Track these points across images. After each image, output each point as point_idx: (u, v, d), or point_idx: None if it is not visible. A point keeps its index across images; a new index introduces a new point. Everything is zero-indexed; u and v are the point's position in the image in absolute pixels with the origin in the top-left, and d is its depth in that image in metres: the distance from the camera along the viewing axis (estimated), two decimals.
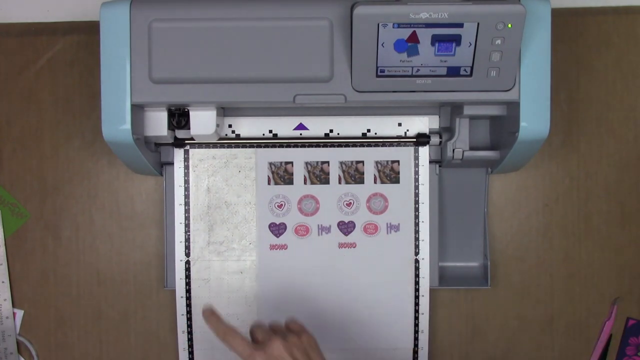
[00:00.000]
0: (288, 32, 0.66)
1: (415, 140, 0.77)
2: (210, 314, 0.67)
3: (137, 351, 0.83)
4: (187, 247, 0.79)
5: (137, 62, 0.67)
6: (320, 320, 0.79)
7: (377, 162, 0.78)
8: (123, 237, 0.83)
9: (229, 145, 0.78)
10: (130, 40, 0.67)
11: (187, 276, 0.79)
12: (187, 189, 0.78)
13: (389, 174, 0.78)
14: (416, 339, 0.79)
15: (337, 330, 0.79)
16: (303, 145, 0.78)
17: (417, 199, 0.78)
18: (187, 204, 0.78)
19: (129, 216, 0.83)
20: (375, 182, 0.78)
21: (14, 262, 0.83)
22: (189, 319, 0.79)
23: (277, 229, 0.78)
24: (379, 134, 0.78)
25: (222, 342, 0.65)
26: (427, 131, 0.78)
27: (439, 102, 0.75)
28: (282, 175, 0.78)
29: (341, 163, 0.78)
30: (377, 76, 0.66)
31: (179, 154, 0.78)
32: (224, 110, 0.77)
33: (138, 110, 0.70)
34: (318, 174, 0.78)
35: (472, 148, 0.77)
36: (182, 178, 0.78)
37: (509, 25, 0.62)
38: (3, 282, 0.83)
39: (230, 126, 0.78)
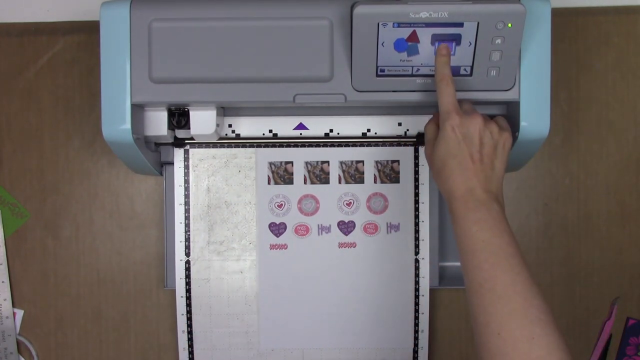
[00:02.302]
0: (288, 32, 0.67)
1: (415, 140, 0.77)
2: (445, 53, 0.64)
3: (137, 351, 0.83)
4: (187, 247, 0.79)
5: (137, 62, 0.67)
6: (320, 320, 0.79)
7: (377, 162, 0.78)
8: (123, 237, 0.83)
9: (229, 145, 0.78)
10: (130, 40, 0.67)
11: (187, 276, 0.79)
12: (187, 189, 0.78)
13: (389, 173, 0.78)
14: (416, 339, 0.79)
15: (337, 330, 0.79)
16: (303, 145, 0.78)
17: (417, 198, 0.78)
18: (187, 203, 0.78)
19: (129, 216, 0.83)
20: (375, 182, 0.78)
21: (14, 262, 0.83)
22: (189, 319, 0.79)
23: (277, 229, 0.78)
24: (379, 134, 0.78)
25: (436, 84, 0.64)
26: None
27: None
28: (282, 175, 0.78)
29: (341, 163, 0.78)
30: (377, 76, 0.66)
31: (179, 153, 0.78)
32: (224, 110, 0.77)
33: (138, 110, 0.70)
34: (318, 174, 0.78)
35: None
36: (182, 178, 0.78)
37: (509, 25, 0.62)
38: (3, 282, 0.83)
39: (230, 126, 0.78)
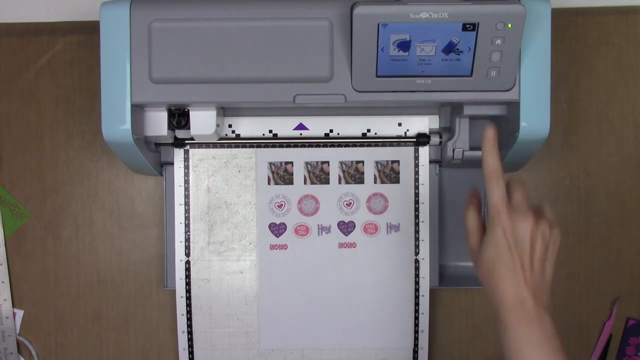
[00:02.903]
0: (288, 32, 0.66)
1: (415, 140, 0.77)
2: (492, 137, 0.61)
3: (137, 351, 0.83)
4: (187, 247, 0.79)
5: (137, 62, 0.67)
6: (320, 320, 0.79)
7: (377, 162, 0.78)
8: (123, 237, 0.83)
9: (229, 145, 0.78)
10: (130, 40, 0.67)
11: (187, 276, 0.79)
12: (187, 189, 0.78)
13: (389, 174, 0.78)
14: (416, 339, 0.79)
15: (337, 330, 0.79)
16: (303, 145, 0.78)
17: (417, 199, 0.78)
18: (187, 204, 0.78)
19: (129, 216, 0.83)
20: (375, 182, 0.78)
21: (14, 262, 0.83)
22: (189, 319, 0.79)
23: (277, 229, 0.78)
24: (379, 134, 0.78)
25: (484, 176, 0.61)
26: (427, 131, 0.78)
27: (439, 102, 0.75)
28: (282, 175, 0.78)
29: (341, 163, 0.78)
30: (377, 76, 0.66)
31: (179, 154, 0.78)
32: (224, 110, 0.77)
33: (138, 110, 0.70)
34: (318, 174, 0.78)
35: (472, 148, 0.77)
36: (182, 178, 0.78)
37: (509, 25, 0.62)
38: (3, 282, 0.83)
39: (230, 126, 0.78)
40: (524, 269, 0.59)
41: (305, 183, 0.78)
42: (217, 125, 0.74)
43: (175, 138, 0.77)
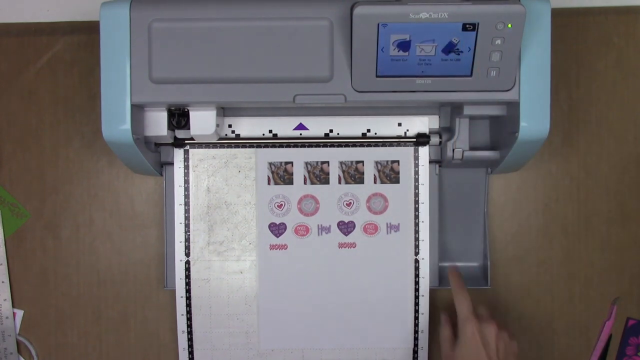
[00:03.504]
0: (288, 32, 0.66)
1: (415, 140, 0.77)
2: (455, 274, 0.76)
3: (137, 351, 0.83)
4: (187, 247, 0.79)
5: (137, 62, 0.67)
6: (320, 320, 0.79)
7: (377, 162, 0.78)
8: (123, 237, 0.83)
9: (229, 145, 0.78)
10: (130, 40, 0.67)
11: (187, 276, 0.79)
12: (187, 189, 0.78)
13: (389, 174, 0.78)
14: (416, 339, 0.79)
15: (337, 330, 0.79)
16: (303, 145, 0.78)
17: (417, 199, 0.78)
18: (187, 204, 0.78)
19: (129, 216, 0.83)
20: (375, 182, 0.78)
21: (14, 262, 0.83)
22: (189, 319, 0.79)
23: (277, 229, 0.78)
24: (379, 134, 0.78)
25: (453, 293, 0.74)
26: (427, 131, 0.78)
27: (439, 102, 0.75)
28: (282, 175, 0.78)
29: (341, 163, 0.78)
30: (377, 76, 0.66)
31: (179, 154, 0.78)
32: (224, 110, 0.77)
33: (138, 110, 0.70)
34: (318, 174, 0.78)
35: (472, 148, 0.77)
36: (182, 178, 0.78)
37: (509, 25, 0.62)
38: (3, 282, 0.83)
39: (230, 126, 0.78)
40: None
41: (305, 183, 0.78)
42: (217, 125, 0.74)
43: (175, 138, 0.77)
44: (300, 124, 0.78)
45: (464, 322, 0.71)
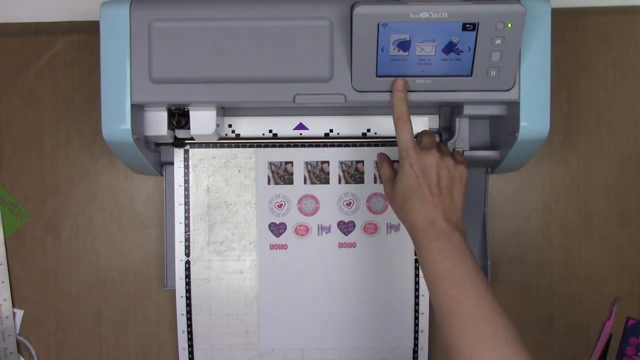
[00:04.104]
0: (288, 32, 0.66)
1: (414, 140, 0.77)
2: (402, 89, 0.66)
3: (137, 351, 0.83)
4: (187, 247, 0.79)
5: (137, 62, 0.67)
6: (320, 320, 0.79)
7: (377, 162, 0.78)
8: (123, 237, 0.83)
9: (229, 145, 0.78)
10: (130, 40, 0.67)
11: (187, 276, 0.79)
12: (187, 189, 0.78)
13: None
14: (416, 339, 0.79)
15: (337, 330, 0.79)
16: (303, 145, 0.78)
17: None
18: (187, 203, 0.78)
19: (129, 216, 0.83)
20: (375, 182, 0.78)
21: (14, 262, 0.83)
22: (189, 319, 0.79)
23: (277, 229, 0.78)
24: (379, 134, 0.78)
25: (394, 122, 0.65)
26: None
27: (439, 102, 0.75)
28: (282, 175, 0.78)
29: (341, 163, 0.78)
30: (377, 76, 0.66)
31: (179, 153, 0.78)
32: (224, 110, 0.77)
33: (138, 110, 0.70)
34: (318, 174, 0.78)
35: (472, 148, 0.77)
36: (182, 178, 0.78)
37: (509, 25, 0.62)
38: (3, 282, 0.83)
39: (230, 126, 0.78)
40: (432, 194, 0.63)
41: (305, 183, 0.78)
42: (217, 125, 0.74)
43: (175, 138, 0.77)
44: (301, 123, 0.78)
45: (402, 154, 0.65)
